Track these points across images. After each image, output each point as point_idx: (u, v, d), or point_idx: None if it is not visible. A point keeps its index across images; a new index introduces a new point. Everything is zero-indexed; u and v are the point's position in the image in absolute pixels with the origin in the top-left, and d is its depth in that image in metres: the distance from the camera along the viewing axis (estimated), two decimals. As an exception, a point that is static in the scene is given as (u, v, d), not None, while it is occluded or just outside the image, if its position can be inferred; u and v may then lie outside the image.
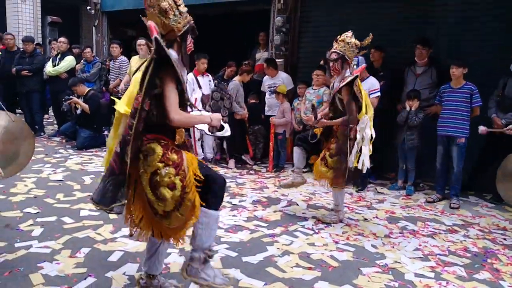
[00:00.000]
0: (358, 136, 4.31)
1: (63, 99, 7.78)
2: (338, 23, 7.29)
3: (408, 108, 5.92)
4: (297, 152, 4.88)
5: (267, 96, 7.37)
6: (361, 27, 6.98)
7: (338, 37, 4.47)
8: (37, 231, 4.00)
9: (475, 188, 6.23)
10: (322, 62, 6.88)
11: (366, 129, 4.35)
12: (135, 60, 7.61)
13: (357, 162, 4.36)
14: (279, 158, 7.14)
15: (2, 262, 3.36)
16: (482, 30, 6.19)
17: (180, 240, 2.85)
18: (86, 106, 7.53)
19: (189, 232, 2.80)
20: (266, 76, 7.43)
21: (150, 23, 2.57)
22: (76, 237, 3.90)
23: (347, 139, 4.32)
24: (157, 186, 2.57)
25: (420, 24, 6.63)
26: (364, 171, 4.43)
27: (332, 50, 4.48)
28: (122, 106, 2.74)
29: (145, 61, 2.63)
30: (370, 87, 5.84)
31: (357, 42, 4.43)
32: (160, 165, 2.57)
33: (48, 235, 3.91)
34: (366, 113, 4.39)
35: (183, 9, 2.68)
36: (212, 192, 2.71)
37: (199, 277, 2.72)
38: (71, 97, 7.67)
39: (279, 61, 7.68)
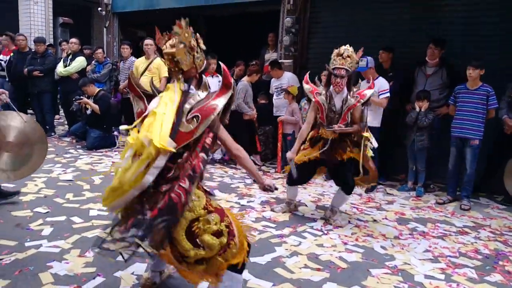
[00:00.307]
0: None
1: (74, 99, 7.83)
2: (347, 24, 7.30)
3: (417, 109, 5.87)
4: (291, 188, 4.98)
5: (274, 97, 7.37)
6: (370, 28, 7.02)
7: (342, 52, 4.43)
8: (47, 230, 4.02)
9: (485, 190, 6.17)
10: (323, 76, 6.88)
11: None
12: (140, 61, 7.64)
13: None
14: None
15: (12, 261, 3.39)
16: (487, 32, 6.15)
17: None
18: (96, 107, 7.57)
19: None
20: (273, 78, 7.43)
21: (224, 67, 2.76)
22: (86, 237, 3.92)
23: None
24: (198, 234, 2.46)
25: (429, 24, 6.58)
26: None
27: (340, 66, 4.43)
28: (155, 138, 2.31)
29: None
30: (379, 87, 5.81)
31: (356, 58, 4.52)
32: (203, 211, 2.50)
33: (58, 235, 3.93)
34: None
35: (203, 46, 2.74)
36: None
37: None
38: (81, 97, 7.71)
39: (288, 61, 7.67)
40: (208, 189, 2.72)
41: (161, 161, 2.32)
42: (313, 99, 4.63)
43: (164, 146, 2.29)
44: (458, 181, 5.75)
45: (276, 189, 3.04)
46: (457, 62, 6.08)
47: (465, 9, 6.34)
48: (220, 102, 2.61)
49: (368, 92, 4.52)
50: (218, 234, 2.49)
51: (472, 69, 5.33)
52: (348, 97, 4.51)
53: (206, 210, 2.52)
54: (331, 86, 4.53)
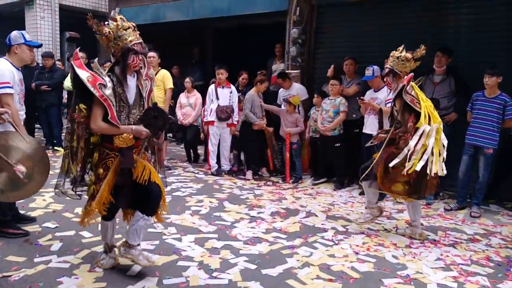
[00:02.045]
0: (417, 145, 4.17)
1: None
2: (353, 34, 7.31)
3: None
4: (366, 185, 4.72)
5: (282, 107, 7.37)
6: (376, 38, 7.02)
7: (391, 52, 4.55)
8: (56, 245, 4.01)
9: (495, 197, 6.11)
10: (330, 72, 6.89)
11: (430, 138, 4.18)
12: None
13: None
14: (295, 168, 7.09)
15: (21, 277, 3.37)
16: (493, 39, 6.13)
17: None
18: None
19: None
20: (282, 88, 7.45)
21: (76, 51, 3.29)
22: (95, 252, 3.90)
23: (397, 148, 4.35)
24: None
25: (435, 33, 6.57)
26: (440, 173, 4.33)
27: (385, 65, 4.61)
28: None
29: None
30: (386, 96, 5.81)
31: (408, 55, 4.45)
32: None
33: (67, 250, 3.93)
34: (429, 122, 4.21)
35: (122, 32, 3.24)
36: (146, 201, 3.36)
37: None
38: None
39: (295, 72, 7.70)
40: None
41: None
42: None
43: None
44: (469, 189, 5.69)
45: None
46: (464, 70, 6.07)
47: (471, 18, 6.33)
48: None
49: (399, 86, 4.39)
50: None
51: (488, 77, 5.27)
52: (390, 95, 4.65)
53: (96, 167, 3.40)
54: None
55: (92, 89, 3.10)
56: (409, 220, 4.84)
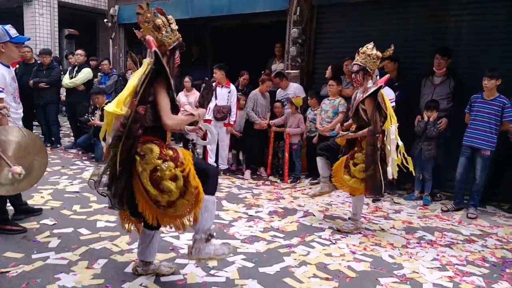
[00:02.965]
0: (389, 146, 4.39)
1: (81, 118, 7.87)
2: (353, 34, 7.31)
3: (426, 119, 5.86)
4: (320, 161, 4.92)
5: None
6: (376, 38, 7.00)
7: (360, 49, 4.52)
8: (54, 242, 4.02)
9: (493, 198, 6.13)
10: (328, 74, 6.91)
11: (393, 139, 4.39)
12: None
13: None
14: (294, 168, 7.11)
15: (19, 274, 3.38)
16: (494, 41, 6.15)
17: (182, 226, 3.16)
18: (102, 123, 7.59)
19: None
20: (280, 89, 7.46)
21: (149, 37, 2.96)
22: (93, 248, 3.92)
23: (375, 148, 4.35)
24: (159, 181, 2.89)
25: (437, 34, 6.59)
26: (390, 177, 4.48)
27: (354, 62, 4.55)
28: (111, 106, 3.02)
29: (143, 68, 2.96)
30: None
31: (379, 53, 4.47)
32: (159, 161, 2.90)
33: (65, 247, 3.93)
34: (391, 123, 4.42)
35: (174, 27, 3.09)
36: (207, 180, 3.04)
37: (202, 254, 3.09)
38: (92, 117, 7.72)
39: (294, 72, 7.71)
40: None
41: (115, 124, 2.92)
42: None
43: (114, 111, 2.91)
44: (466, 190, 5.72)
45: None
46: (464, 72, 6.08)
47: (471, 19, 6.35)
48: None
49: (372, 88, 4.42)
50: (174, 178, 2.90)
51: (487, 79, 5.27)
52: (358, 93, 4.58)
53: (161, 160, 2.91)
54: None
55: (172, 81, 3.02)
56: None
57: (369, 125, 4.40)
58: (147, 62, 2.95)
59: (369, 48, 4.49)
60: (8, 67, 4.10)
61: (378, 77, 5.63)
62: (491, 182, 6.01)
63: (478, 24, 6.29)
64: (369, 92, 4.39)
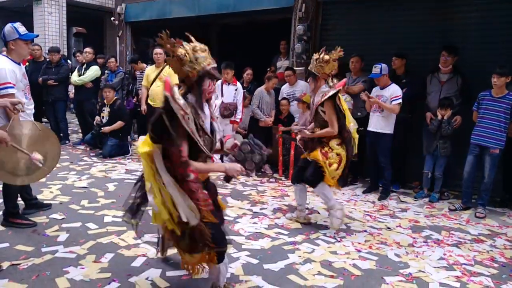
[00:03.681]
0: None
1: (94, 125, 7.94)
2: (359, 31, 7.30)
3: (439, 117, 5.85)
4: (297, 189, 4.94)
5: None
6: (382, 35, 7.02)
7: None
8: (63, 236, 4.07)
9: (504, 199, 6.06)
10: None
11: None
12: (151, 70, 7.66)
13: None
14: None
15: (29, 266, 3.43)
16: (501, 38, 6.10)
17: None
18: (118, 127, 7.66)
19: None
20: (285, 85, 7.45)
21: (167, 79, 2.83)
22: (100, 243, 3.96)
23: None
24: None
25: (444, 31, 6.55)
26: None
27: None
28: (144, 146, 2.84)
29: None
30: (391, 94, 5.81)
31: (326, 57, 4.56)
32: None
33: (73, 241, 3.98)
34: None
35: (200, 54, 2.77)
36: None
37: None
38: (102, 125, 7.81)
39: (300, 69, 7.70)
40: None
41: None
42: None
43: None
44: (474, 189, 5.69)
45: (250, 170, 3.26)
46: (471, 69, 6.05)
47: (479, 15, 6.30)
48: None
49: (332, 91, 4.53)
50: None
51: (497, 77, 5.22)
52: (316, 97, 4.69)
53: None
54: None
55: (186, 125, 2.67)
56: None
57: (327, 125, 4.57)
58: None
59: (317, 53, 4.64)
60: (19, 64, 4.17)
61: (380, 72, 5.70)
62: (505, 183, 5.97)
63: (486, 21, 6.23)
64: (327, 96, 4.52)
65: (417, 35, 6.74)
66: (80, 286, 3.17)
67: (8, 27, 4.04)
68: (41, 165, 3.70)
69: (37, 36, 4.63)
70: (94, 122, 7.97)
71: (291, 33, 8.01)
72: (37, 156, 3.69)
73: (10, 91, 3.92)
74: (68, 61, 8.91)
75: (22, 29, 4.05)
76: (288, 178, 6.93)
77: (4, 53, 4.14)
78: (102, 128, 7.75)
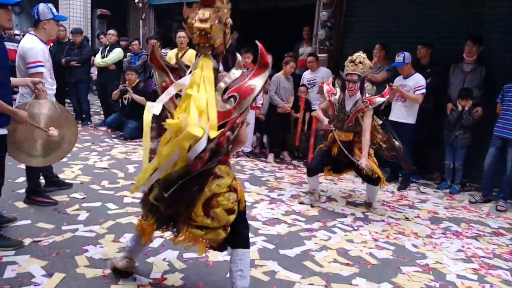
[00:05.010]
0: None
1: (121, 87, 8.00)
2: (384, 18, 7.17)
3: (460, 108, 5.75)
4: (313, 180, 5.08)
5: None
6: (408, 23, 6.89)
7: (353, 58, 4.66)
8: (83, 215, 4.14)
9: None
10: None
11: None
12: (173, 53, 7.62)
13: None
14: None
15: (50, 243, 3.51)
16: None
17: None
18: (142, 99, 7.69)
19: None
20: (307, 71, 7.38)
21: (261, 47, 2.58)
22: (120, 223, 4.02)
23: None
24: (214, 206, 2.50)
25: (471, 21, 6.38)
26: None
27: (352, 71, 4.65)
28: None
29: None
30: (415, 83, 5.75)
31: (370, 63, 4.76)
32: (226, 189, 2.54)
33: (93, 220, 4.04)
34: None
35: (230, 21, 2.64)
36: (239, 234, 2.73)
37: None
38: (126, 86, 7.87)
39: (322, 56, 7.62)
40: None
41: (202, 144, 2.34)
42: (327, 99, 5.00)
43: (204, 133, 2.32)
44: (495, 182, 5.60)
45: None
46: (498, 60, 5.91)
47: (508, 4, 6.11)
48: (258, 83, 2.56)
49: (379, 100, 4.67)
50: (230, 211, 2.54)
51: None
52: (359, 101, 4.70)
53: (228, 188, 2.56)
54: (346, 91, 4.76)
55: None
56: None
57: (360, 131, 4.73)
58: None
59: (364, 57, 4.64)
60: (45, 43, 4.24)
61: (403, 61, 5.75)
62: None
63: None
64: (377, 104, 4.65)
65: (443, 24, 6.59)
66: (98, 265, 3.22)
67: (42, 6, 4.12)
68: (58, 139, 3.77)
69: (67, 18, 4.71)
70: (121, 86, 7.98)
71: (314, 19, 7.91)
72: (54, 133, 3.77)
73: (41, 69, 4.00)
74: (85, 42, 8.91)
75: (54, 10, 4.17)
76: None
77: (33, 32, 4.21)
78: (128, 90, 7.81)
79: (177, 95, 2.58)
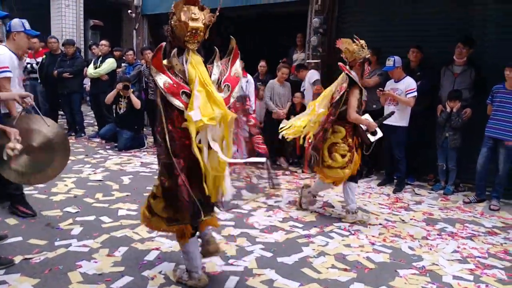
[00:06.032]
0: None
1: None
2: (375, 24, 7.20)
3: (448, 109, 5.76)
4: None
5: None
6: (400, 28, 6.91)
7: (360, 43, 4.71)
8: (77, 230, 4.10)
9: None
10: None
11: None
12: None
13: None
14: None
15: (42, 260, 3.47)
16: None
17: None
18: (137, 101, 7.66)
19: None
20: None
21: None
22: (114, 236, 3.99)
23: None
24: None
25: (462, 24, 6.40)
26: None
27: (366, 54, 4.79)
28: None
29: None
30: (406, 87, 5.77)
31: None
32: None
33: (87, 234, 4.01)
34: None
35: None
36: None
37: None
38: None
39: (315, 61, 7.64)
40: None
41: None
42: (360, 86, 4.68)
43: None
44: (487, 182, 5.63)
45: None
46: (488, 62, 5.93)
47: (499, 8, 6.13)
48: (239, 69, 2.98)
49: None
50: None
51: (510, 69, 5.17)
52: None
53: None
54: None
55: None
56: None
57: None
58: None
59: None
60: (16, 55, 4.30)
61: (393, 65, 5.87)
62: None
63: (506, 13, 6.07)
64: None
65: (435, 28, 6.60)
66: (92, 280, 3.19)
67: (15, 19, 4.31)
68: (11, 154, 3.27)
69: (39, 34, 4.82)
70: (118, 85, 7.92)
71: (307, 25, 7.93)
72: (16, 145, 3.28)
73: (8, 74, 4.07)
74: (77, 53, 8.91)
75: (27, 25, 4.33)
76: (304, 171, 6.89)
77: (4, 43, 4.36)
78: (128, 86, 7.78)
79: (183, 93, 2.77)
